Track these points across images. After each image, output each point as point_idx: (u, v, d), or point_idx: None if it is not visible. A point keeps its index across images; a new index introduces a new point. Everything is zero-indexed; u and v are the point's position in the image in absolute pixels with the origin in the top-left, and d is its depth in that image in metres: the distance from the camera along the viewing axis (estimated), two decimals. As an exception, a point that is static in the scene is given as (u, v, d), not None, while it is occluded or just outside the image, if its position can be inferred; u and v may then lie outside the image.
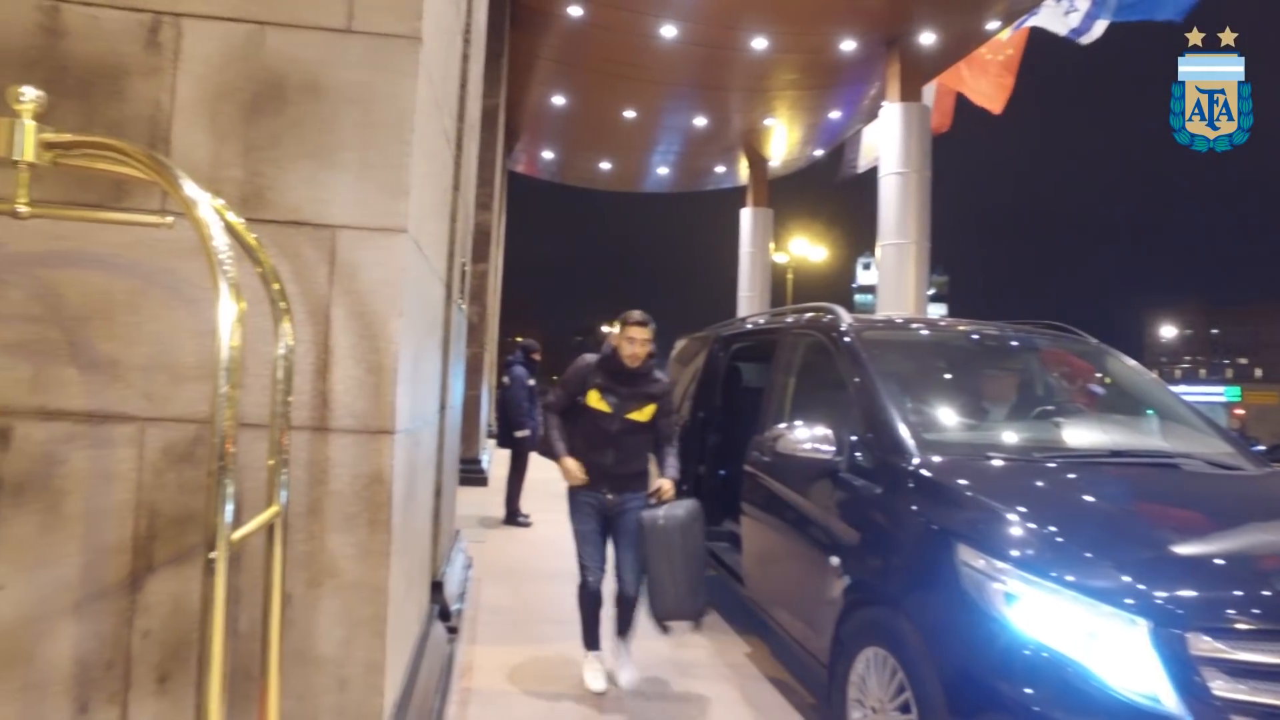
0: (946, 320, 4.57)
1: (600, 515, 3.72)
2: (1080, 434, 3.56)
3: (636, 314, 3.77)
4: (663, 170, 20.87)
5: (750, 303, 19.31)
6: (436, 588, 3.93)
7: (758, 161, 19.08)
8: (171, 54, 2.14)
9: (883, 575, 2.88)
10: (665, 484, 3.68)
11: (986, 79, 15.01)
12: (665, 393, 3.80)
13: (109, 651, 2.09)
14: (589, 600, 3.74)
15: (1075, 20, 12.46)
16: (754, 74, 13.87)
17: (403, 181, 2.20)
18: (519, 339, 8.78)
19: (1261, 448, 11.72)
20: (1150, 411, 4.03)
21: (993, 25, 12.57)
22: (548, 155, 20.31)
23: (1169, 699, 2.02)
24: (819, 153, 19.52)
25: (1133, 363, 4.36)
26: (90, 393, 2.10)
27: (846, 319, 3.92)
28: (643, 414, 3.72)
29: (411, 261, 2.28)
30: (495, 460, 11.39)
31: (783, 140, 18.27)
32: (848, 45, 12.61)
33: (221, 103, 2.15)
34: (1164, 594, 2.16)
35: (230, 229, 1.75)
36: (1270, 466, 3.45)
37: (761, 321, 5.31)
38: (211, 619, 1.42)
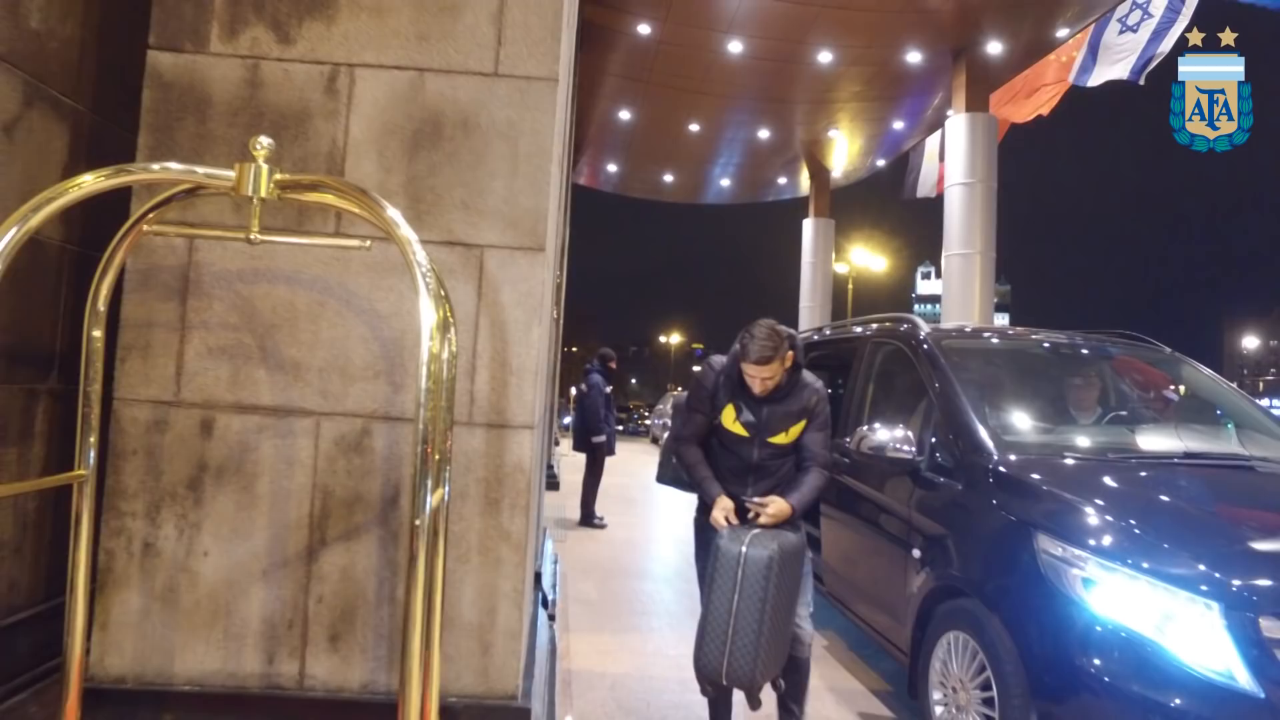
0: (1019, 329, 4.72)
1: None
2: (1153, 437, 3.70)
3: (756, 346, 2.80)
4: (725, 182, 21.10)
5: (811, 313, 19.35)
6: (536, 578, 4.25)
7: (820, 172, 19.17)
8: (346, 99, 2.49)
9: (964, 564, 3.07)
10: (775, 503, 2.82)
11: (1041, 90, 14.86)
12: (819, 401, 3.00)
13: (289, 613, 2.43)
14: None
15: (1145, 35, 12.29)
16: (819, 87, 14.03)
17: (543, 206, 2.50)
18: (574, 348, 9.12)
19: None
20: (1223, 416, 4.12)
21: (1062, 33, 12.51)
22: (611, 168, 20.72)
23: (1242, 675, 2.20)
24: (881, 163, 19.51)
25: (1207, 370, 4.45)
26: (276, 390, 2.45)
27: (925, 328, 4.12)
28: (789, 435, 2.97)
29: (548, 276, 2.59)
30: (563, 466, 11.75)
31: (845, 151, 18.34)
32: (914, 57, 12.69)
33: (387, 139, 2.49)
34: (1237, 581, 2.33)
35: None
36: None
37: (829, 333, 5.52)
38: (416, 573, 1.72)
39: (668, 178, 20.77)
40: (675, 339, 78.80)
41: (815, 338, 5.47)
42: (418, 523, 1.72)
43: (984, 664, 2.80)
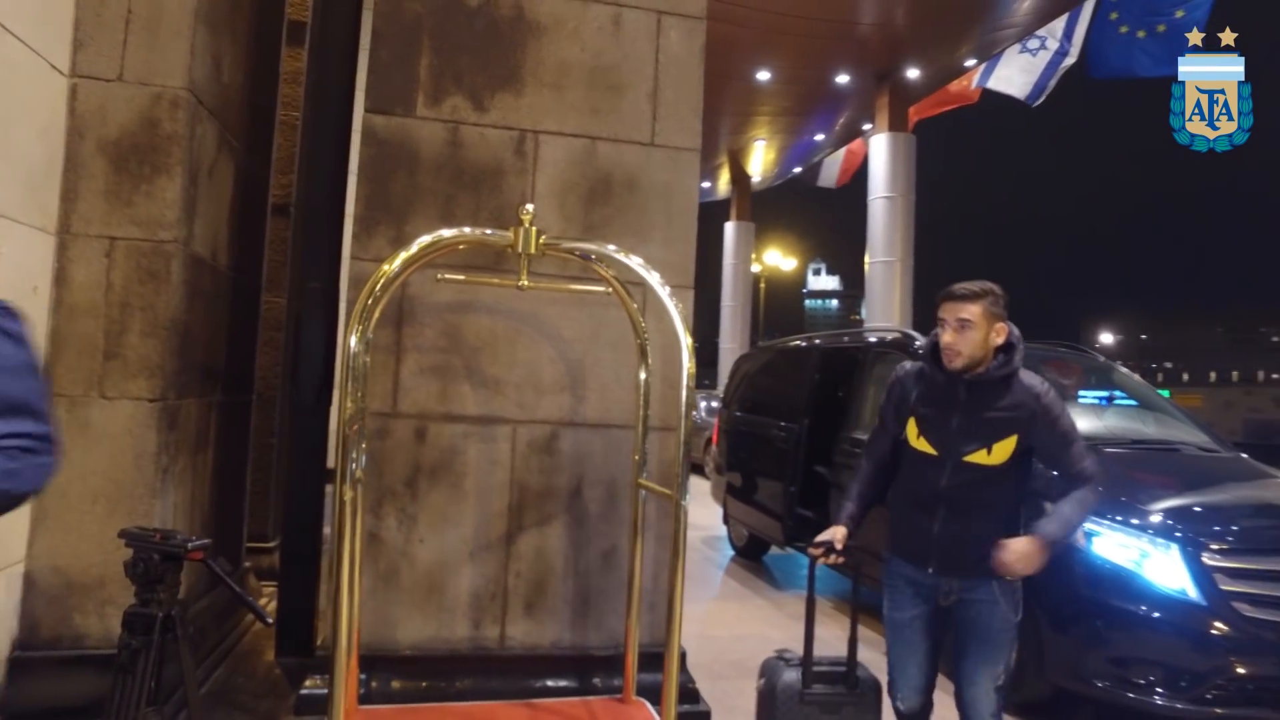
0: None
1: (927, 602, 2.39)
2: (1104, 426, 4.64)
3: (959, 286, 2.29)
4: (648, 184, 21.82)
5: (733, 312, 20.38)
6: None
7: (742, 178, 20.18)
8: (532, 159, 3.00)
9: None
10: (1016, 544, 2.19)
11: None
12: (1046, 405, 2.26)
13: (492, 587, 2.93)
14: None
15: (1042, 62, 13.66)
16: (751, 101, 14.95)
17: (689, 251, 3.09)
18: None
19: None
20: (1148, 410, 5.12)
21: (969, 62, 13.84)
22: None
23: (1192, 591, 3.33)
24: (797, 169, 20.71)
25: (1127, 372, 5.47)
26: (480, 402, 2.94)
27: (919, 340, 4.91)
28: (994, 454, 2.26)
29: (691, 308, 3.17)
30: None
31: (765, 159, 19.40)
32: (842, 78, 13.76)
33: (567, 194, 3.01)
34: (1186, 529, 3.45)
35: (616, 290, 2.62)
36: (1237, 451, 4.60)
37: (829, 342, 6.28)
38: (680, 547, 2.27)
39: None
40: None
41: (819, 344, 6.22)
42: (684, 502, 2.28)
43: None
